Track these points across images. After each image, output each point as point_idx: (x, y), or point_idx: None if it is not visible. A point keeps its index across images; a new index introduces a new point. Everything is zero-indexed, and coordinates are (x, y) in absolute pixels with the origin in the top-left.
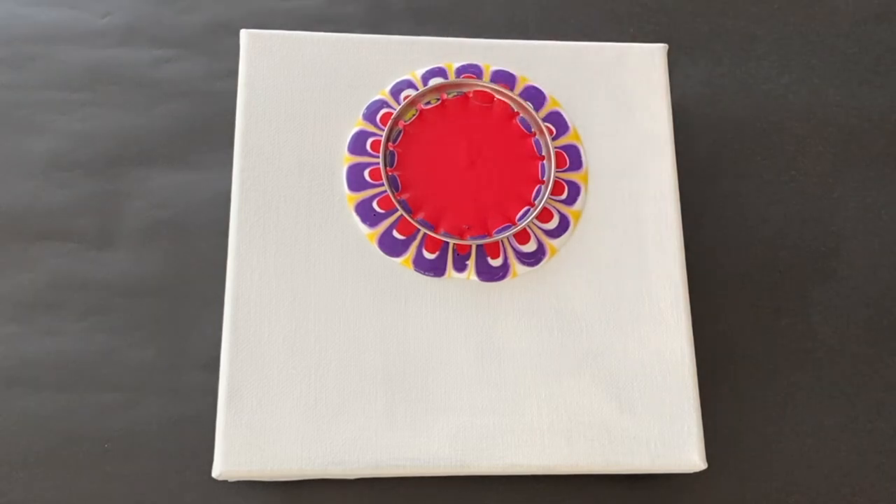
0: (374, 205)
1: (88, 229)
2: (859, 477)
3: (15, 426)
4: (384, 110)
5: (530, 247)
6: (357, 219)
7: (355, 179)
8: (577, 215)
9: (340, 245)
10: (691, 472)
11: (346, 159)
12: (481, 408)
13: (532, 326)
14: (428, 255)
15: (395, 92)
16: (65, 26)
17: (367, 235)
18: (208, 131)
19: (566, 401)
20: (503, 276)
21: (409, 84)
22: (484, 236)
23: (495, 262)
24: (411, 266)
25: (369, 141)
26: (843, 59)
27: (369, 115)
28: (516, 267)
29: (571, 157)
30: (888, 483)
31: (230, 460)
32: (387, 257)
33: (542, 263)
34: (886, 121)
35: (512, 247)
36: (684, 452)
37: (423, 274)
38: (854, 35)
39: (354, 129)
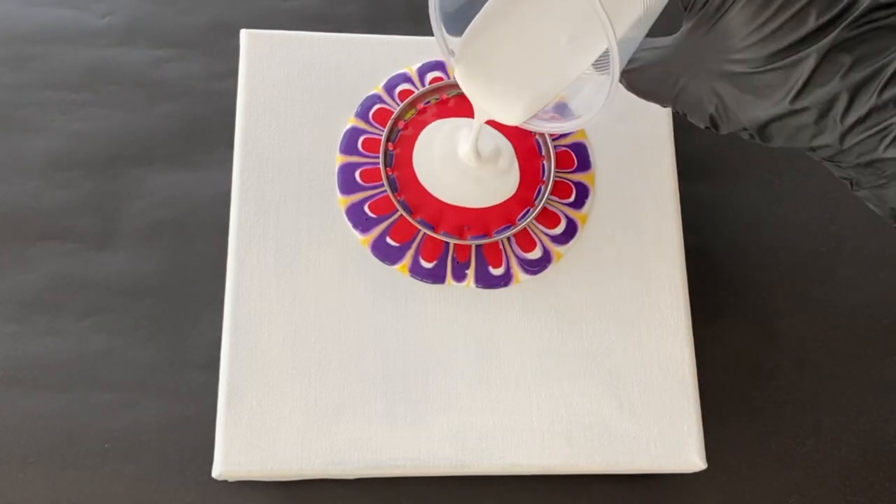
0: (366, 209)
1: (88, 229)
2: (859, 477)
3: (15, 426)
4: (377, 106)
5: (535, 254)
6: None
7: (346, 181)
8: (584, 219)
9: (340, 245)
10: (691, 472)
11: (338, 159)
12: (481, 408)
13: (532, 327)
14: (425, 264)
15: (390, 87)
16: (65, 26)
17: (361, 241)
18: (208, 131)
19: (566, 401)
20: (505, 285)
21: (405, 78)
22: (484, 236)
23: (497, 271)
24: (407, 273)
25: (361, 139)
26: None
27: (362, 112)
28: (519, 275)
29: (579, 157)
30: (888, 483)
31: (230, 460)
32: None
33: (546, 270)
34: None
35: (515, 254)
36: (684, 452)
37: (421, 281)
38: None
39: (346, 126)
